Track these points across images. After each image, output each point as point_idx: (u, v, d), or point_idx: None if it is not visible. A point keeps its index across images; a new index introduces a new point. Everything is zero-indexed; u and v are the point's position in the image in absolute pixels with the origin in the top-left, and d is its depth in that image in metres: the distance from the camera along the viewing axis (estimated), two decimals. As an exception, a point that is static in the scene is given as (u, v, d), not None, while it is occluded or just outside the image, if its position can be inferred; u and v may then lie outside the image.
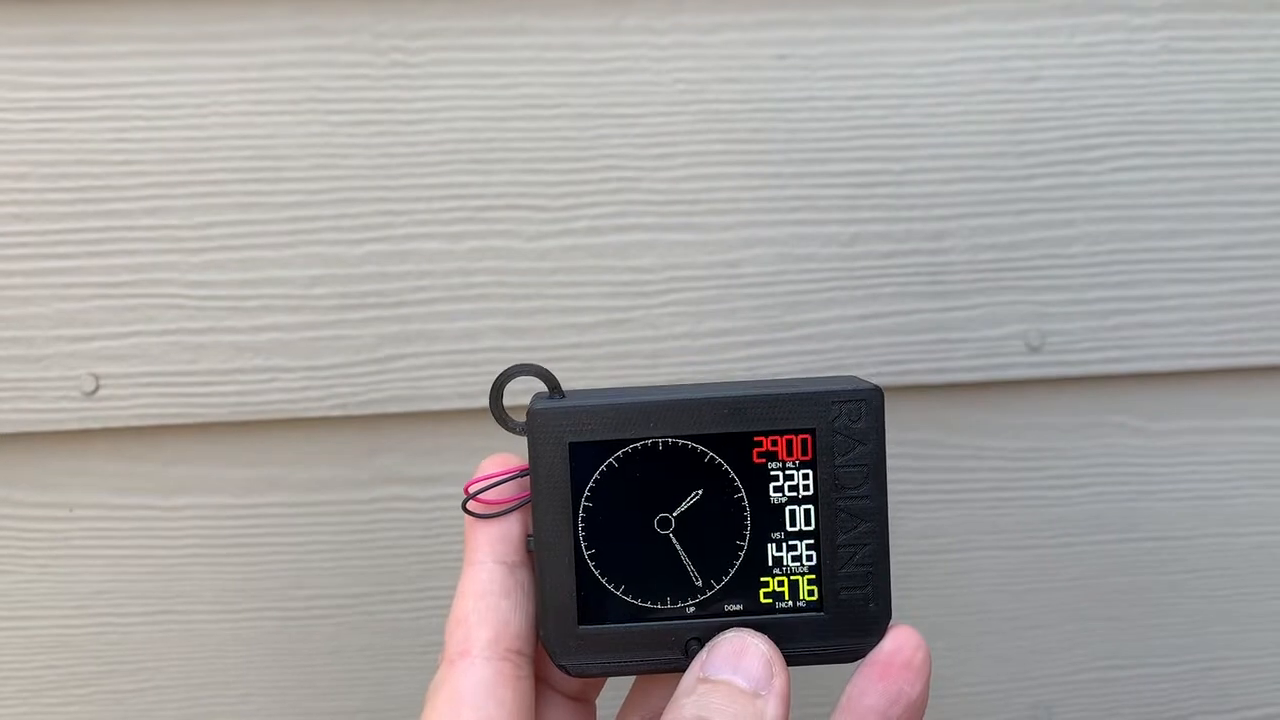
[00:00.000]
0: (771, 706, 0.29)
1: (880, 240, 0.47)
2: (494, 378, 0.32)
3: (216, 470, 0.45)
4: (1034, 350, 0.48)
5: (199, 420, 0.44)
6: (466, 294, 0.45)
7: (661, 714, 0.30)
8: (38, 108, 0.43)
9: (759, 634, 0.31)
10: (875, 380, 0.47)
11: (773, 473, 0.31)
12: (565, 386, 0.32)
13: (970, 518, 0.49)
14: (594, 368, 0.46)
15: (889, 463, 0.31)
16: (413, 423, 0.46)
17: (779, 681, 0.30)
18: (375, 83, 0.44)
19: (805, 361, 0.47)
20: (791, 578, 0.32)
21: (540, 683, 0.33)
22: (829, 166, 0.46)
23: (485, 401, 0.46)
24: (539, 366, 0.31)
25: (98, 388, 0.44)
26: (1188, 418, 0.50)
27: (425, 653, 0.47)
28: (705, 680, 0.30)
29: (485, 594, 0.31)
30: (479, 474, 0.32)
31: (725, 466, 0.31)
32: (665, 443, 0.31)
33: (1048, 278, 0.48)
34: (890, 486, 0.49)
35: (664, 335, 0.46)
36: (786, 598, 0.32)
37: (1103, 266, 0.48)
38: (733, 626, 0.31)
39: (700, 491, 0.31)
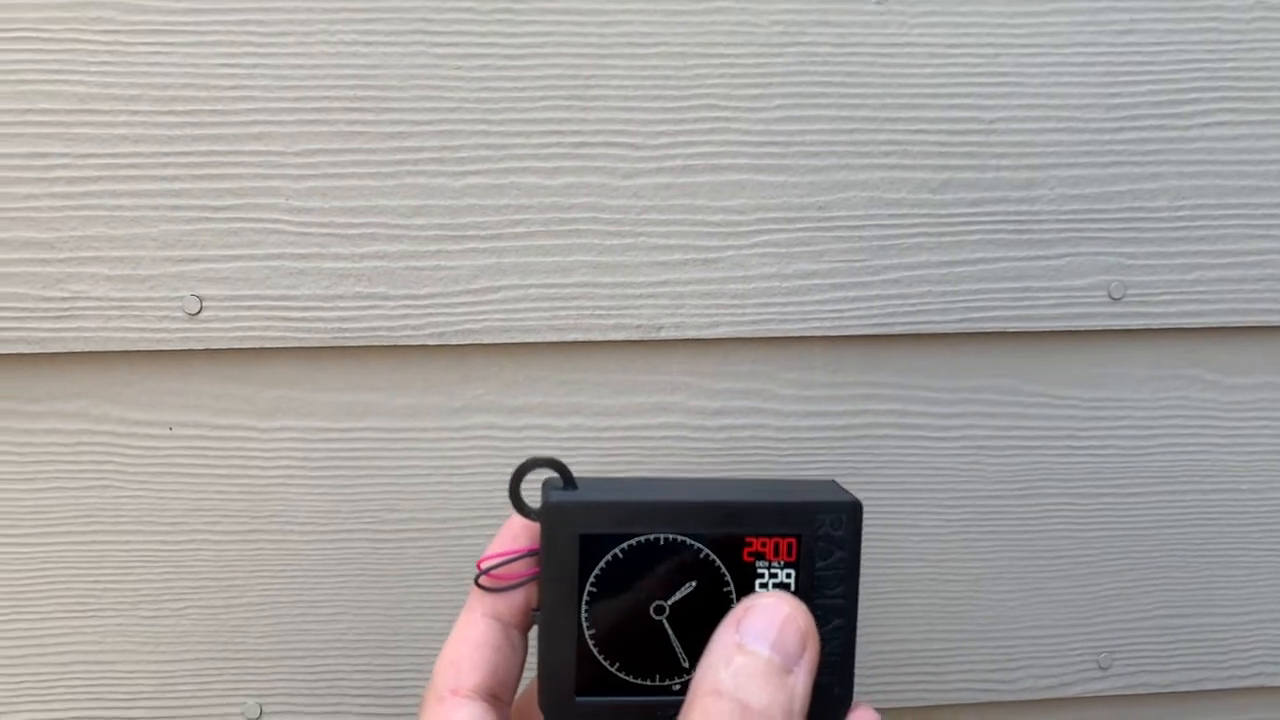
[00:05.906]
0: (801, 682, 0.32)
1: (969, 188, 0.47)
2: (515, 467, 0.34)
3: (313, 394, 0.46)
4: (1115, 301, 0.49)
5: (299, 344, 0.45)
6: (560, 229, 0.46)
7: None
8: (151, 30, 0.43)
9: (797, 601, 0.33)
10: (959, 327, 0.48)
11: (760, 571, 0.34)
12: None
13: (1043, 465, 0.50)
14: (682, 305, 0.47)
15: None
16: (505, 354, 0.47)
17: (810, 655, 0.32)
18: (480, 16, 0.44)
19: (890, 306, 0.48)
20: None
21: None
22: (922, 112, 0.47)
23: (575, 335, 0.47)
24: (554, 460, 0.34)
25: (201, 309, 0.45)
26: (1262, 373, 0.51)
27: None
28: (742, 649, 0.31)
29: (481, 644, 0.34)
30: (492, 549, 0.35)
31: (718, 563, 0.34)
32: (666, 539, 0.34)
33: (1132, 230, 0.48)
34: (968, 433, 0.50)
35: (752, 276, 0.47)
36: None
37: (1186, 221, 0.49)
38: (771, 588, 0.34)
39: (694, 583, 0.34)
